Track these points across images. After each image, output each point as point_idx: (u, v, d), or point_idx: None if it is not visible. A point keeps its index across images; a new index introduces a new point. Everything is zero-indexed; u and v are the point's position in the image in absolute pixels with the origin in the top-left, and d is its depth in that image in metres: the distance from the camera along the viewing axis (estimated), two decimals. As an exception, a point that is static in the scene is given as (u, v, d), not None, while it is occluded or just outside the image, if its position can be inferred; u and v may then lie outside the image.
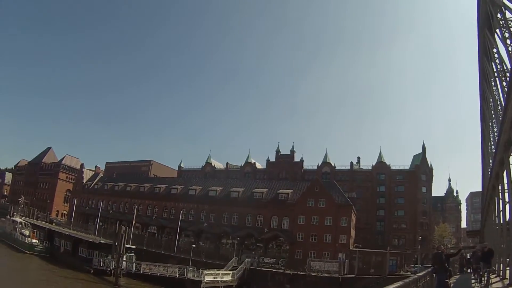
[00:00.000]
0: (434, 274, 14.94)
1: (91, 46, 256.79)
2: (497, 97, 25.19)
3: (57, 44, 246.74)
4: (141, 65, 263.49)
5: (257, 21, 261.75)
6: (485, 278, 18.01)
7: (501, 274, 19.41)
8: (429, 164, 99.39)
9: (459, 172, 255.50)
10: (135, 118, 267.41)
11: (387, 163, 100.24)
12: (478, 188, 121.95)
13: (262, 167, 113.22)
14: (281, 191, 76.26)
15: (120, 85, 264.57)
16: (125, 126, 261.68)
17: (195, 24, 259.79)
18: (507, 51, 17.92)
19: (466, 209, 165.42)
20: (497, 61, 22.87)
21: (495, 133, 27.13)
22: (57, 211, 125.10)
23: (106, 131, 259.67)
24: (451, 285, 15.44)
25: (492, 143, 29.62)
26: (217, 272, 48.25)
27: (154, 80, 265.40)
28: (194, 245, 59.13)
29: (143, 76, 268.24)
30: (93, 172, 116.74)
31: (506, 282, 18.62)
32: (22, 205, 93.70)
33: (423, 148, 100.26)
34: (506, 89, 19.23)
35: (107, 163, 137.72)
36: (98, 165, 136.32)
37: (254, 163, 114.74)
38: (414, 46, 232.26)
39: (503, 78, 21.38)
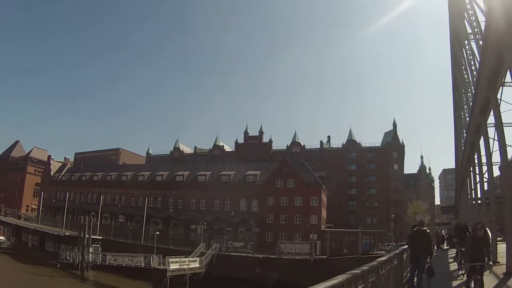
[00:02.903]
0: (412, 258, 11.64)
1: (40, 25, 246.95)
2: (470, 57, 24.11)
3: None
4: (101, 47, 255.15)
5: None
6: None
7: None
8: (401, 141, 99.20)
9: (431, 150, 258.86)
10: (101, 103, 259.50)
11: (358, 141, 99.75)
12: (450, 165, 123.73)
13: (231, 150, 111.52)
14: (249, 173, 74.92)
15: (82, 65, 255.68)
16: (94, 114, 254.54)
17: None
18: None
19: (439, 186, 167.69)
20: (472, 18, 21.82)
21: (469, 99, 26.14)
22: (27, 206, 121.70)
23: (74, 122, 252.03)
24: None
25: (466, 110, 28.62)
26: (184, 259, 46.28)
27: (115, 59, 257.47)
28: (157, 232, 57.30)
29: (105, 57, 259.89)
30: (61, 164, 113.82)
31: (502, 270, 15.07)
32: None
33: (394, 125, 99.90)
34: (481, 44, 18.15)
35: (76, 153, 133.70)
36: (67, 157, 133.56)
37: (223, 146, 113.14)
38: (383, 21, 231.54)
39: (478, 37, 20.34)
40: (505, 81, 14.36)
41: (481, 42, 19.68)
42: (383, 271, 8.67)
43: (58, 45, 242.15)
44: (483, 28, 14.75)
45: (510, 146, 18.09)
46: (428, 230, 11.46)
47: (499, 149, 15.09)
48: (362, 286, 6.64)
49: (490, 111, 17.21)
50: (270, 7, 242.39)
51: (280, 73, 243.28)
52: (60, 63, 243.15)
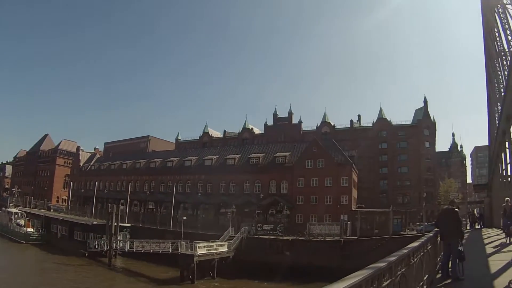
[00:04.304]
0: (440, 239, 10.83)
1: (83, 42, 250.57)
2: (504, 21, 22.76)
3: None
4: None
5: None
6: None
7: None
8: (432, 118, 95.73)
9: (463, 127, 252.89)
10: (129, 92, 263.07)
11: (388, 119, 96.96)
12: (482, 142, 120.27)
13: (260, 132, 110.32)
14: (278, 154, 73.58)
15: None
16: (122, 103, 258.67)
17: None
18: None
19: (471, 164, 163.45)
20: (502, 15, 20.33)
21: (505, 68, 24.67)
22: (57, 197, 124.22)
23: (104, 114, 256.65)
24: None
25: (501, 81, 27.02)
26: (211, 244, 45.33)
27: (141, 46, 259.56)
28: (185, 218, 56.51)
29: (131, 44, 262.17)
30: (90, 154, 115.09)
31: None
32: (16, 195, 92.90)
33: (425, 101, 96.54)
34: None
35: (105, 143, 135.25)
36: (97, 147, 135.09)
37: (252, 128, 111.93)
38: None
39: (508, 33, 18.92)
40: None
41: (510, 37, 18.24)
42: (415, 260, 7.37)
43: (82, 34, 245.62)
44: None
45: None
46: (457, 209, 10.36)
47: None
48: (388, 281, 5.14)
49: None
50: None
51: (307, 53, 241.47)
52: (84, 54, 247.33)
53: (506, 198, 17.91)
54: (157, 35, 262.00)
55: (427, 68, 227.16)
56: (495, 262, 12.28)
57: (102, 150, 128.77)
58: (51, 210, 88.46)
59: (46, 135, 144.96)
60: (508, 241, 15.36)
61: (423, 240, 8.96)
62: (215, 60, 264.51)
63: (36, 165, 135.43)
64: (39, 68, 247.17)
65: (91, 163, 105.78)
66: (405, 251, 6.58)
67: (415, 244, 7.92)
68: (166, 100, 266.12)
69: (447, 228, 10.13)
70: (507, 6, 18.88)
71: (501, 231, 24.51)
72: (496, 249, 14.78)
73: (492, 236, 24.87)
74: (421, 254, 8.22)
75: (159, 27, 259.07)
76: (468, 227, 37.88)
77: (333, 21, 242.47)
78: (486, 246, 18.22)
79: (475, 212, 49.18)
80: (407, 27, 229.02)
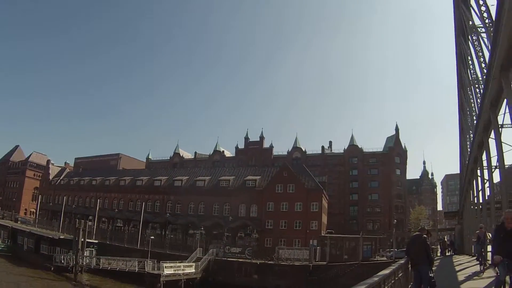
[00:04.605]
0: (410, 266, 10.59)
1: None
2: (475, 81, 23.52)
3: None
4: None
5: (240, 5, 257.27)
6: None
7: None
8: (403, 146, 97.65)
9: (433, 155, 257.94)
10: (104, 112, 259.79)
11: (360, 146, 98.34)
12: (453, 170, 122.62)
13: (231, 155, 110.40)
14: (248, 178, 73.74)
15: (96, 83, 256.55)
16: (95, 121, 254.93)
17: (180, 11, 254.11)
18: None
19: (442, 192, 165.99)
20: (475, 43, 20.92)
21: (477, 95, 25.30)
22: (26, 209, 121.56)
23: (76, 128, 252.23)
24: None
25: (474, 108, 27.58)
26: (179, 264, 44.98)
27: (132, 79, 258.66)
28: (152, 237, 56.18)
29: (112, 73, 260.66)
30: (60, 168, 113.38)
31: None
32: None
33: (397, 129, 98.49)
34: (485, 71, 17.08)
35: (76, 158, 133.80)
36: (67, 162, 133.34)
37: (223, 151, 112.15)
38: (390, 28, 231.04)
39: (482, 60, 19.42)
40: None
41: (483, 65, 18.86)
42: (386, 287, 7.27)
43: (56, 43, 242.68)
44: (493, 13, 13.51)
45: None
46: (425, 236, 10.34)
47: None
48: None
49: (503, 103, 16.01)
50: (273, 9, 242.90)
51: (280, 79, 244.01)
52: (60, 64, 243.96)
53: (481, 225, 18.07)
54: (129, 51, 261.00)
55: (400, 95, 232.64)
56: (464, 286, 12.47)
57: (73, 165, 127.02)
58: (19, 222, 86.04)
59: (17, 146, 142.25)
60: (481, 269, 14.97)
61: (394, 267, 8.83)
62: (186, 80, 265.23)
63: (5, 175, 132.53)
64: (14, 75, 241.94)
65: (61, 177, 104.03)
66: (376, 278, 6.40)
67: (386, 271, 7.77)
68: (137, 119, 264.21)
69: (415, 254, 9.99)
70: (482, 34, 19.38)
71: (473, 258, 24.74)
72: (468, 275, 14.66)
73: (464, 262, 24.85)
74: (392, 281, 8.05)
75: (131, 44, 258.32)
76: (439, 254, 38.35)
77: (307, 48, 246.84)
78: (458, 273, 18.20)
79: (446, 239, 49.85)
80: (380, 55, 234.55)
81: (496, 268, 7.84)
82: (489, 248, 16.51)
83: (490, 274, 13.41)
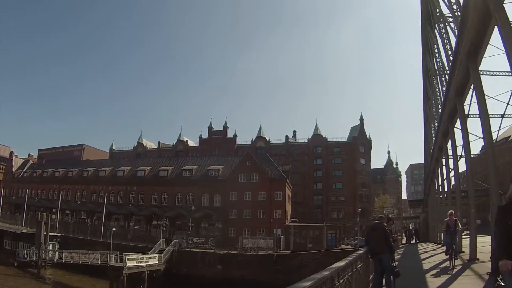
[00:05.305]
0: (370, 256, 9.98)
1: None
2: (441, 71, 23.89)
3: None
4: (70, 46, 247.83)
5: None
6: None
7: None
8: (368, 136, 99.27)
9: (398, 145, 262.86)
10: (62, 100, 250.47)
11: (324, 136, 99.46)
12: (417, 160, 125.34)
13: (195, 145, 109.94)
14: (211, 167, 73.72)
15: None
16: (57, 111, 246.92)
17: (128, 4, 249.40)
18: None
19: (406, 181, 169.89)
20: (442, 31, 21.17)
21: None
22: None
23: (38, 118, 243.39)
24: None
25: (439, 97, 28.04)
26: (141, 256, 44.55)
27: (85, 62, 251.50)
28: (114, 229, 55.19)
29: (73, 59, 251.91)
30: (23, 161, 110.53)
31: (466, 257, 15.67)
32: None
33: (361, 119, 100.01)
34: (451, 57, 17.28)
35: (39, 150, 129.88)
36: (31, 153, 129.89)
37: (187, 141, 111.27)
38: (351, 22, 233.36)
39: (448, 47, 19.70)
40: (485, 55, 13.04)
41: (450, 52, 19.07)
42: (341, 281, 6.34)
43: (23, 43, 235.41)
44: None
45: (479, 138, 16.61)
46: (385, 223, 10.01)
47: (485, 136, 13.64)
48: None
49: (469, 90, 16.09)
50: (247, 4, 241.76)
51: (246, 67, 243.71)
52: (24, 61, 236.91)
53: (450, 211, 15.63)
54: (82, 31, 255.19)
55: (365, 86, 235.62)
56: (432, 279, 12.23)
57: (36, 157, 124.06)
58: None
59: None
60: (451, 265, 13.39)
61: (350, 258, 7.84)
62: (144, 67, 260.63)
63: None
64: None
65: (24, 170, 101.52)
66: (326, 273, 5.34)
67: (341, 263, 6.78)
68: (103, 109, 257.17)
69: (375, 243, 9.61)
70: (449, 21, 19.61)
71: (438, 246, 24.71)
72: (437, 271, 13.72)
73: (429, 250, 25.32)
74: (349, 273, 7.30)
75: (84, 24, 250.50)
76: (404, 242, 39.22)
77: (268, 37, 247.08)
78: (423, 262, 18.23)
79: (410, 227, 51.13)
80: (347, 44, 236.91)
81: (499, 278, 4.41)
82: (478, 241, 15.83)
83: (464, 273, 12.93)
